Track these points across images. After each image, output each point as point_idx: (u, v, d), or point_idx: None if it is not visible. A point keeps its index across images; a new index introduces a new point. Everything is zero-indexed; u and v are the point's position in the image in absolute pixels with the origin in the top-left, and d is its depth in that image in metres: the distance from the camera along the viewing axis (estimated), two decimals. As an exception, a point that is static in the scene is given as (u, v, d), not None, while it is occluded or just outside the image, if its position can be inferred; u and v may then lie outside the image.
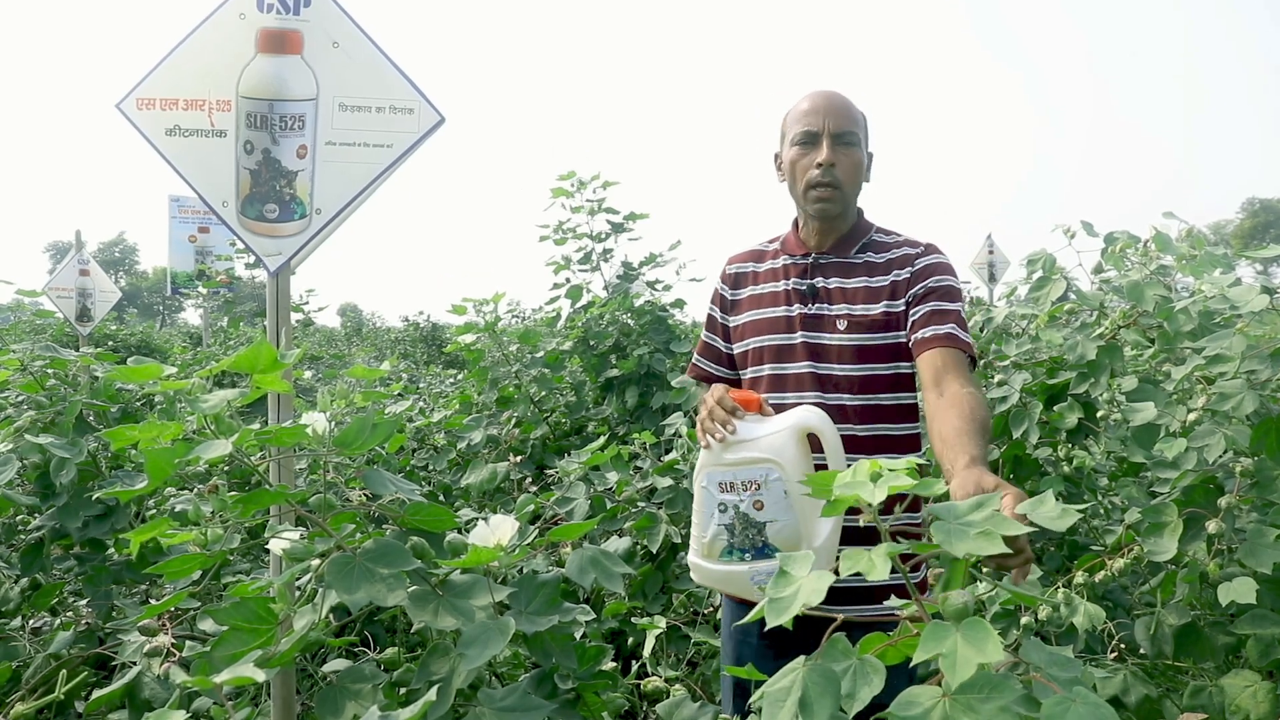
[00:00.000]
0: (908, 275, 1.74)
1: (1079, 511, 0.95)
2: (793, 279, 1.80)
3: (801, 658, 0.85)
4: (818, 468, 1.58)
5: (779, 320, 1.78)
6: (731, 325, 1.89)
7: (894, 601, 1.76)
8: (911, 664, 0.81)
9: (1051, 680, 0.73)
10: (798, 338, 1.75)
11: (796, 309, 1.77)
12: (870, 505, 0.86)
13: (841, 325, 1.73)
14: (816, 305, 1.76)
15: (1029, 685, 0.73)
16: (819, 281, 1.77)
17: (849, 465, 1.49)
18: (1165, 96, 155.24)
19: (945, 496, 1.25)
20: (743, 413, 1.64)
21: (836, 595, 1.58)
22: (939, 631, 0.75)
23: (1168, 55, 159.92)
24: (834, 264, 1.78)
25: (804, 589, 0.83)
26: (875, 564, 0.82)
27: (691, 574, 1.73)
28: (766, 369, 1.78)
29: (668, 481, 2.58)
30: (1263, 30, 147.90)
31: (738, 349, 1.86)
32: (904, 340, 1.71)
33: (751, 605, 1.68)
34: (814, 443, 1.59)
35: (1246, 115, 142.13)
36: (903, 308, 1.73)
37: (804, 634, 1.14)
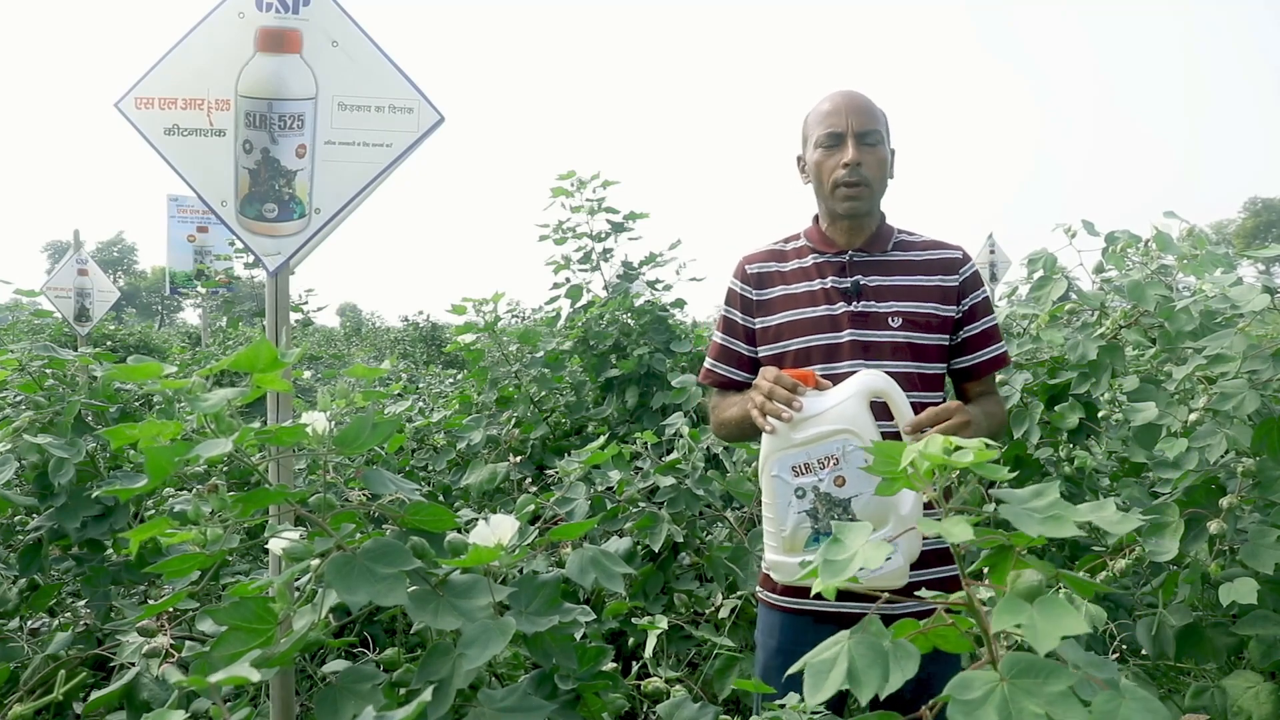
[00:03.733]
0: (956, 284, 1.78)
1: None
2: (830, 277, 1.79)
3: (844, 633, 0.82)
4: (885, 436, 1.49)
5: (822, 319, 1.76)
6: (759, 327, 1.84)
7: (925, 595, 1.77)
8: (993, 630, 0.78)
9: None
10: (845, 336, 1.73)
11: (841, 307, 1.76)
12: (935, 481, 0.81)
13: (895, 322, 1.73)
14: (863, 303, 1.75)
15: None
16: (860, 279, 1.77)
17: None
18: (1167, 96, 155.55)
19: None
20: (804, 388, 1.55)
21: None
22: (1014, 605, 0.73)
23: (1170, 55, 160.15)
24: (871, 261, 1.79)
25: (862, 553, 0.80)
26: (954, 531, 0.76)
27: (773, 576, 1.64)
28: (815, 370, 1.72)
29: (669, 481, 2.57)
30: (1264, 30, 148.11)
31: (772, 350, 1.81)
32: (946, 343, 1.77)
33: (823, 615, 1.64)
34: (877, 411, 1.52)
35: (1249, 115, 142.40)
36: (952, 314, 1.76)
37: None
